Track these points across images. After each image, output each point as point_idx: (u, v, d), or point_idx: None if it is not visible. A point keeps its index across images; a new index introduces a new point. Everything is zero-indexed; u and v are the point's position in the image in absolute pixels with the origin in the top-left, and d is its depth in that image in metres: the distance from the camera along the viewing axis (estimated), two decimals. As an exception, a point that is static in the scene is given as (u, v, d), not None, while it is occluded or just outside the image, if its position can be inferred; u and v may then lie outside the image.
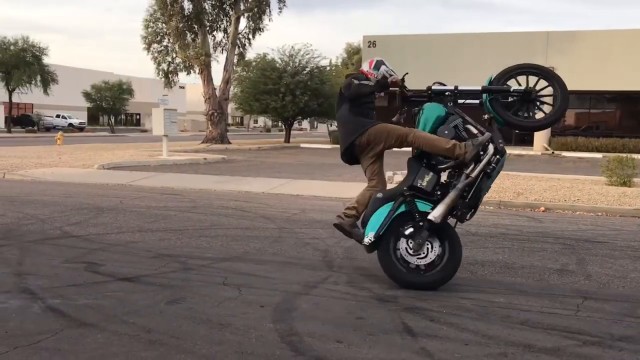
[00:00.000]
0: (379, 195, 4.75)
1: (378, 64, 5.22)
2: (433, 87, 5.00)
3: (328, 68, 39.02)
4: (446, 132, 4.73)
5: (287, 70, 33.93)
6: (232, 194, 10.57)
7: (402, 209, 4.58)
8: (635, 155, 13.62)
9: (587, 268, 5.36)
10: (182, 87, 72.38)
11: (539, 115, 4.92)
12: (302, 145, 32.86)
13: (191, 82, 50.05)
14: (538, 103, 4.88)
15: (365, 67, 5.29)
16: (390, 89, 5.08)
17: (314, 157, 22.95)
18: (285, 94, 32.98)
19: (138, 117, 75.78)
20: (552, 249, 6.18)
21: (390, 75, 5.09)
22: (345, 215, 4.97)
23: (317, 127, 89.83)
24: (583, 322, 3.84)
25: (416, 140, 4.75)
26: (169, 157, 18.35)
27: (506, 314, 3.97)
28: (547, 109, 4.87)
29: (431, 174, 4.69)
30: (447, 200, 4.53)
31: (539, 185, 11.67)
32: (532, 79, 4.89)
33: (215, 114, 29.92)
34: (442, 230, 4.56)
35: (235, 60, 31.60)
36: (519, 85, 4.89)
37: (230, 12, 31.08)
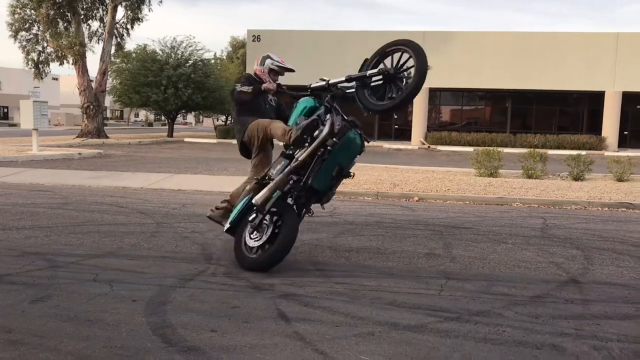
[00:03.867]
0: (248, 187, 5.09)
1: (263, 60, 5.53)
2: (312, 85, 5.08)
3: (212, 61, 38.42)
4: (298, 122, 4.89)
5: (169, 62, 33.01)
6: (107, 190, 10.15)
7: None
8: (501, 149, 14.71)
9: (452, 251, 5.74)
10: (55, 79, 68.20)
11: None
12: (186, 139, 32.10)
13: (65, 73, 47.36)
14: (402, 81, 4.67)
15: (255, 65, 5.59)
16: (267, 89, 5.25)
17: (198, 151, 22.54)
18: (167, 87, 32.09)
19: (6, 110, 70.28)
20: (422, 235, 6.54)
21: (280, 67, 5.48)
22: (217, 207, 5.54)
23: (202, 121, 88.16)
24: (445, 301, 4.12)
25: (270, 130, 5.18)
26: (39, 152, 17.23)
27: (376, 296, 4.17)
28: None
29: (284, 162, 4.91)
30: (271, 184, 4.76)
31: (414, 177, 12.27)
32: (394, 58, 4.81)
33: (92, 106, 28.48)
34: (278, 212, 4.77)
35: (112, 51, 30.24)
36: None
37: (107, 1, 29.69)
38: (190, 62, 34.12)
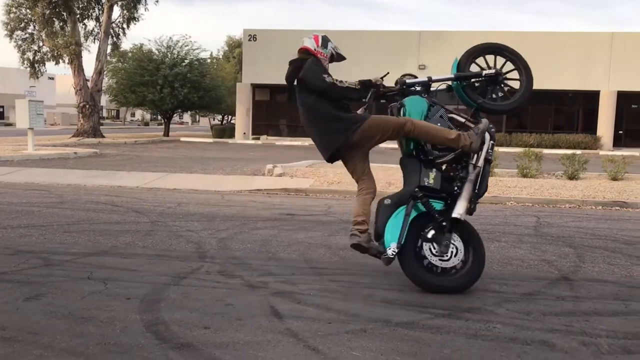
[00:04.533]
0: (387, 201, 4.34)
1: (324, 42, 4.65)
2: (407, 81, 4.72)
3: (209, 61, 38.45)
4: (438, 124, 4.48)
5: (165, 62, 33.03)
6: (103, 189, 10.16)
7: (418, 210, 4.31)
8: (497, 148, 14.71)
9: (445, 249, 5.77)
10: (51, 78, 68.01)
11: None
12: (182, 139, 32.13)
13: (61, 72, 47.31)
14: (503, 85, 4.73)
15: (310, 44, 4.62)
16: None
17: (193, 151, 22.55)
18: (163, 86, 32.13)
19: (1, 109, 70.11)
20: (416, 234, 6.56)
21: (338, 54, 4.74)
22: (360, 231, 4.38)
23: (199, 121, 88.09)
24: (437, 297, 4.15)
25: (415, 129, 4.34)
26: (35, 151, 17.24)
27: (369, 294, 4.20)
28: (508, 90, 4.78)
29: (435, 170, 4.39)
30: (466, 194, 4.27)
31: (409, 176, 12.29)
32: (490, 60, 4.85)
33: (87, 106, 28.46)
34: (462, 228, 4.36)
35: (108, 51, 30.25)
36: (479, 67, 4.76)
37: (103, 0, 29.66)
38: (187, 61, 34.18)
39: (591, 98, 31.13)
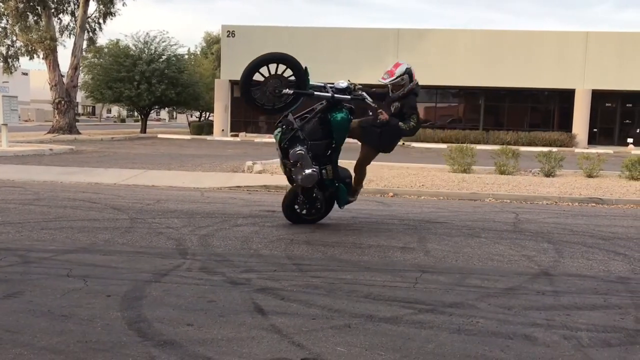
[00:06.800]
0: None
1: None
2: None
3: (186, 56, 38.11)
4: None
5: (142, 58, 32.62)
6: (80, 186, 10.01)
7: None
8: (474, 146, 14.87)
9: (426, 245, 5.81)
10: (25, 74, 66.75)
11: None
12: (160, 135, 31.83)
13: (35, 68, 46.50)
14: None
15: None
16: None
17: (171, 148, 22.34)
18: (140, 82, 31.73)
19: (-27, 105, 68.60)
20: (397, 230, 6.60)
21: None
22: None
23: (176, 117, 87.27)
24: (420, 293, 4.17)
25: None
26: (9, 147, 16.92)
27: (352, 289, 4.20)
28: None
29: None
30: None
31: (389, 173, 12.34)
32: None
33: (63, 102, 28.03)
34: None
35: (84, 46, 29.79)
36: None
37: (79, -6, 29.20)
38: (164, 57, 33.81)
39: (567, 96, 31.56)
